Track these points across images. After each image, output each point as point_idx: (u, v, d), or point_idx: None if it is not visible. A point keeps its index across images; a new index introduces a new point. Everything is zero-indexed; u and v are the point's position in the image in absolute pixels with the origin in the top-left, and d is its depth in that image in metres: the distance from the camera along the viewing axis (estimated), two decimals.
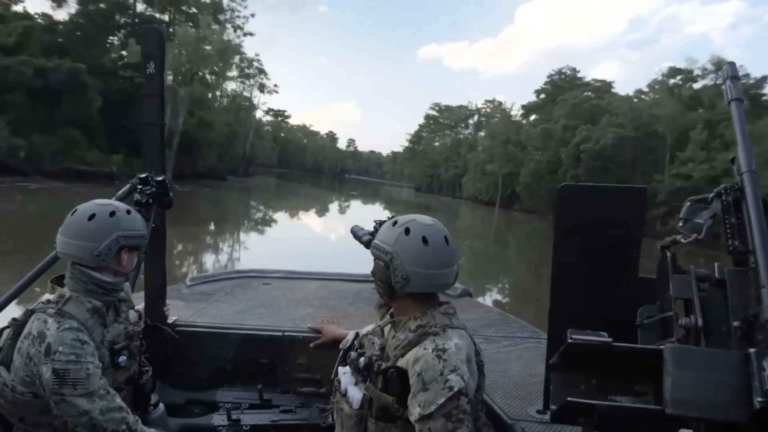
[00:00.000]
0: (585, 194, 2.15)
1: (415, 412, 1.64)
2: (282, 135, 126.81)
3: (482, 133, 76.89)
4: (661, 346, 1.15)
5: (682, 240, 1.50)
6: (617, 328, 1.33)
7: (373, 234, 2.00)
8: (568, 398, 1.20)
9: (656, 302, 1.59)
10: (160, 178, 2.49)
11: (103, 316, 1.97)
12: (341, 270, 4.56)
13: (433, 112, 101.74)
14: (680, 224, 1.51)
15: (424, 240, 1.74)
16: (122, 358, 2.02)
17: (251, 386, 2.91)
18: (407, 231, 1.76)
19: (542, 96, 70.90)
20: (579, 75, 69.59)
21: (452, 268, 1.78)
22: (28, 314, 1.93)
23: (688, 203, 1.51)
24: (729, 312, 1.26)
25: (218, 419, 2.68)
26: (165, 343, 2.81)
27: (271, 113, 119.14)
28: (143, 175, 2.47)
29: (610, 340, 1.22)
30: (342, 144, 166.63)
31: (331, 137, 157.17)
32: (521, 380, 2.65)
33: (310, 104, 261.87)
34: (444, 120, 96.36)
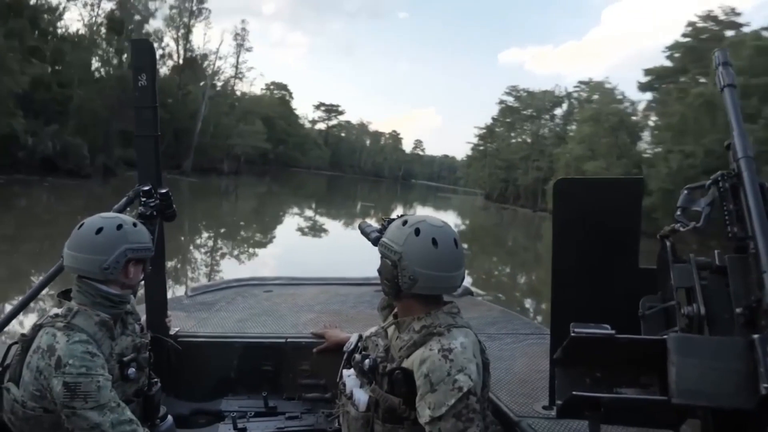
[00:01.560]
0: (582, 187, 2.15)
1: (425, 414, 1.64)
2: (335, 133, 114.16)
3: (573, 126, 57.57)
4: (665, 336, 1.15)
5: (681, 228, 1.50)
6: (620, 319, 1.32)
7: (381, 231, 2.00)
8: (574, 392, 1.19)
9: (658, 292, 1.59)
10: (164, 191, 2.48)
11: (111, 328, 1.97)
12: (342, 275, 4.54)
13: (509, 99, 76.03)
14: (677, 212, 1.50)
15: (434, 242, 1.73)
16: (131, 371, 2.02)
17: (256, 394, 2.90)
18: (417, 232, 1.75)
19: (677, 54, 39.04)
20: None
21: (460, 271, 1.78)
22: (36, 329, 1.93)
23: (686, 191, 1.50)
24: (731, 299, 1.26)
25: (224, 429, 2.67)
26: (168, 354, 2.81)
27: (322, 108, 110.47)
28: (146, 188, 2.46)
29: (613, 332, 1.22)
30: (407, 146, 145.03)
31: (394, 137, 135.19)
32: (526, 377, 2.65)
33: (391, 111, 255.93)
34: (523, 109, 73.52)
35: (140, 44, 2.61)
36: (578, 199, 2.06)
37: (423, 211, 53.96)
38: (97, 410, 1.81)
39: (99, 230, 1.96)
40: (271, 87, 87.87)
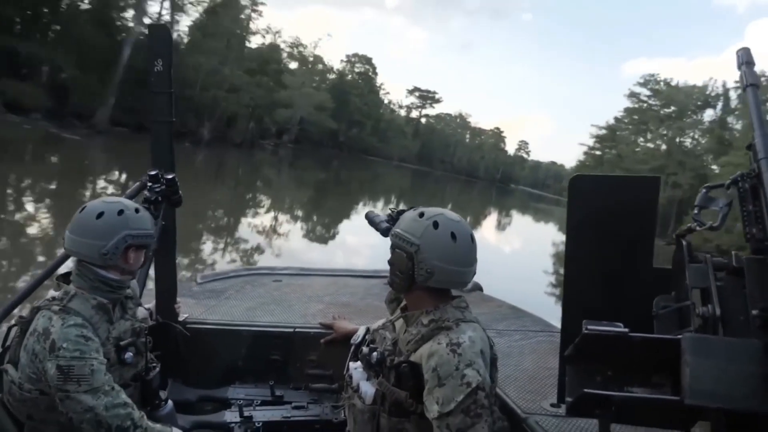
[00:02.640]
0: (597, 185, 2.13)
1: (433, 409, 1.63)
2: (430, 123, 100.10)
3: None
4: (679, 336, 1.13)
5: (698, 228, 1.48)
6: (632, 319, 1.31)
7: (390, 221, 1.98)
8: (585, 390, 1.18)
9: (671, 292, 1.57)
10: (170, 176, 2.48)
11: (108, 312, 1.97)
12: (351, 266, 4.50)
13: (643, 92, 56.93)
14: (695, 212, 1.48)
15: (453, 236, 1.73)
16: (129, 355, 2.02)
17: (263, 383, 2.90)
18: (436, 225, 1.74)
19: None
20: None
21: (474, 267, 1.78)
22: (35, 312, 1.93)
23: (704, 190, 1.48)
24: (747, 301, 1.24)
25: (230, 416, 2.68)
26: (176, 340, 2.81)
27: (416, 94, 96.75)
28: (153, 173, 2.45)
29: (626, 330, 1.20)
30: (510, 147, 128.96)
31: (497, 135, 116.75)
32: (534, 374, 2.64)
33: (500, 112, 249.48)
34: (660, 107, 55.38)
35: (157, 29, 2.60)
36: (594, 197, 2.04)
37: (522, 221, 50.42)
38: (91, 393, 1.81)
39: (100, 215, 1.95)
40: (353, 59, 76.23)
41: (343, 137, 67.63)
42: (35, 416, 1.91)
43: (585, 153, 65.47)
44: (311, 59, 60.16)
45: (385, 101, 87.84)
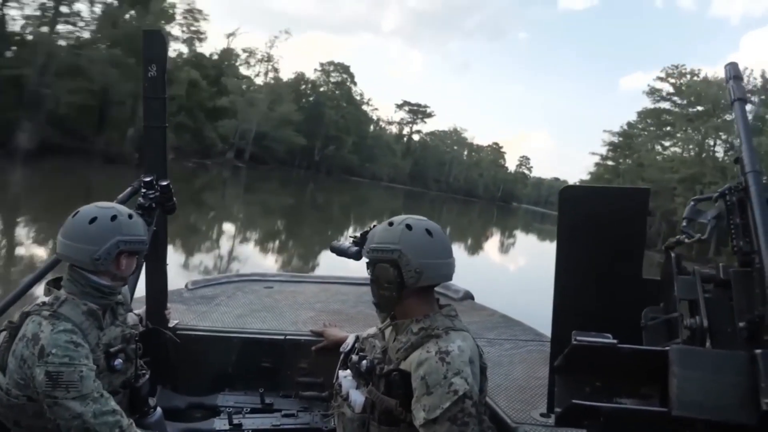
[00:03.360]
0: (587, 195, 2.14)
1: (420, 416, 1.63)
2: (423, 140, 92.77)
3: None
4: (667, 348, 1.14)
5: (686, 240, 1.49)
6: (621, 329, 1.32)
7: (358, 244, 2.00)
8: (574, 401, 1.19)
9: (660, 303, 1.58)
10: (164, 183, 2.47)
11: (98, 318, 1.96)
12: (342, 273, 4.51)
13: (664, 87, 48.72)
14: (683, 224, 1.50)
15: (428, 232, 1.77)
16: (118, 362, 2.00)
17: (253, 390, 2.89)
18: (409, 227, 1.78)
19: None
20: None
21: (453, 258, 1.83)
22: (24, 317, 1.91)
23: (692, 203, 1.50)
24: (734, 313, 1.25)
25: (219, 424, 2.67)
26: (166, 347, 2.80)
27: (406, 108, 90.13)
28: (148, 179, 2.45)
29: (615, 341, 1.21)
30: (510, 163, 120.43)
31: (495, 150, 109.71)
32: (524, 383, 2.64)
33: (498, 131, 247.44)
34: (685, 106, 46.77)
35: (151, 35, 2.60)
36: (584, 207, 2.05)
37: (527, 240, 45.94)
38: (79, 400, 1.79)
39: (93, 220, 1.95)
40: (328, 67, 67.98)
41: (319, 155, 61.34)
42: (22, 422, 1.89)
43: (597, 164, 57.93)
44: (266, 61, 54.38)
45: (374, 117, 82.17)
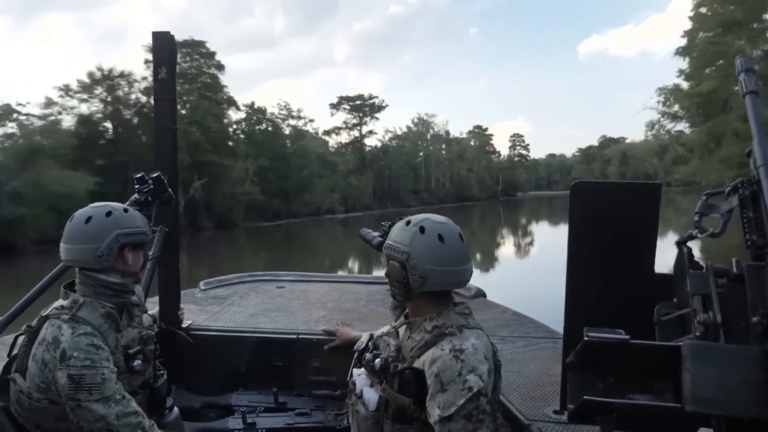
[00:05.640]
0: (599, 191, 2.14)
1: (434, 414, 1.63)
2: (383, 145, 69.17)
3: None
4: (680, 343, 1.13)
5: (699, 235, 1.48)
6: (634, 324, 1.31)
7: (383, 236, 2.00)
8: (586, 397, 1.18)
9: (673, 299, 1.57)
10: (155, 175, 2.48)
11: (116, 320, 1.98)
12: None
13: None
14: (696, 219, 1.49)
15: (440, 237, 1.75)
16: (137, 362, 2.03)
17: (266, 389, 2.91)
18: (422, 230, 1.76)
19: None
20: None
21: (468, 265, 1.80)
22: (42, 320, 1.94)
23: (704, 197, 1.49)
24: (748, 308, 1.25)
25: (233, 423, 2.69)
26: (180, 347, 2.82)
27: (345, 107, 66.32)
28: (139, 175, 2.47)
29: (627, 337, 1.21)
30: (500, 147, 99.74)
31: (479, 135, 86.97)
32: (537, 380, 2.63)
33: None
34: None
35: (161, 37, 2.62)
36: (596, 203, 2.04)
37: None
38: (102, 402, 1.82)
39: (88, 219, 1.97)
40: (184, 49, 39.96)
41: (196, 192, 37.07)
42: (44, 426, 1.91)
43: (666, 93, 43.88)
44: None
45: (310, 130, 59.13)
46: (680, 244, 1.52)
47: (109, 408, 1.82)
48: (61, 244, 2.00)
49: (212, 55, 44.60)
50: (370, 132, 69.00)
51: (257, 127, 51.56)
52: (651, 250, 1.99)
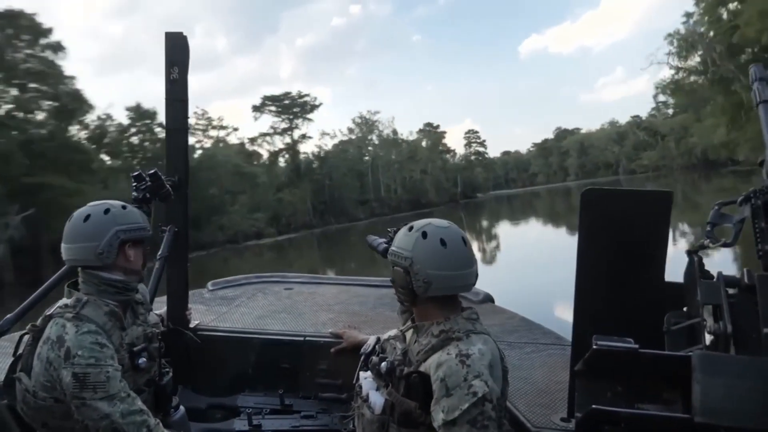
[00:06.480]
0: (610, 198, 2.12)
1: (438, 418, 1.63)
2: (322, 154, 59.34)
3: None
4: (690, 353, 1.12)
5: (710, 245, 1.47)
6: (643, 332, 1.30)
7: (389, 242, 2.00)
8: (594, 406, 1.18)
9: (683, 308, 1.56)
10: (151, 171, 2.49)
11: (120, 318, 1.98)
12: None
13: None
14: (708, 228, 1.48)
15: (442, 242, 1.74)
16: (142, 360, 2.03)
17: (272, 391, 2.91)
18: (424, 235, 1.76)
19: None
20: None
21: (472, 269, 1.78)
22: (47, 320, 1.94)
23: (716, 207, 1.48)
24: (760, 318, 1.23)
25: (239, 424, 2.69)
26: (187, 347, 2.83)
27: (268, 110, 57.41)
28: (135, 173, 2.48)
29: (636, 346, 1.20)
30: (456, 145, 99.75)
31: (430, 133, 79.23)
32: (545, 387, 2.62)
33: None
34: None
35: (174, 37, 2.62)
36: (606, 210, 2.03)
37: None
38: (107, 400, 1.82)
39: (87, 217, 1.98)
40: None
41: (15, 230, 25.57)
42: (50, 424, 1.92)
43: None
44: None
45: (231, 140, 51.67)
46: (691, 253, 1.51)
47: (114, 406, 1.82)
48: (62, 245, 2.00)
49: (44, 32, 30.90)
50: (304, 136, 59.36)
51: (145, 136, 39.79)
52: (661, 259, 1.97)
